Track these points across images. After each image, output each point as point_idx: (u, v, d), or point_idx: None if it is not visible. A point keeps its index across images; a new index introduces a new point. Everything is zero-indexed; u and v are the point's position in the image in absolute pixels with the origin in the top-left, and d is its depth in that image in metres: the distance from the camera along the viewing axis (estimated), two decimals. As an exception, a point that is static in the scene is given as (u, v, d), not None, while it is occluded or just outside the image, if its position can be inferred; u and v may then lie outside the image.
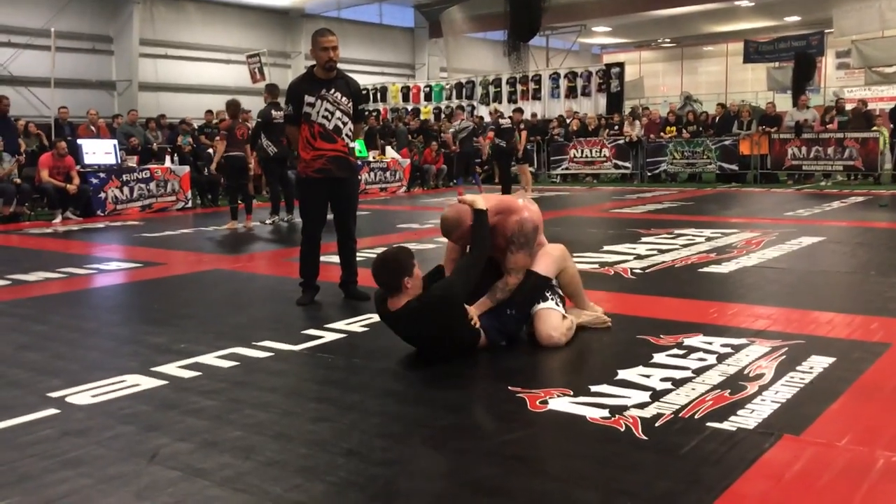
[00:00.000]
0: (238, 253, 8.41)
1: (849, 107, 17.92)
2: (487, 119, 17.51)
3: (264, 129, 10.53)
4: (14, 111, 15.87)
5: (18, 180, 12.19)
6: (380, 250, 7.58)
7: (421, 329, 3.95)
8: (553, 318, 4.24)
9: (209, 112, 16.78)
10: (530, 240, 4.23)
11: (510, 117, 15.92)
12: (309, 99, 5.36)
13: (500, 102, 22.60)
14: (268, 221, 10.98)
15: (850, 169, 16.63)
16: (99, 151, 13.14)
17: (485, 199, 4.28)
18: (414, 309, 3.90)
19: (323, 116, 5.37)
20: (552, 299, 4.31)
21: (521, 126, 15.14)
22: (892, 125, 16.67)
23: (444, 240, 4.47)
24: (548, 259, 4.35)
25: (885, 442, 2.86)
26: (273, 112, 10.27)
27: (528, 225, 4.21)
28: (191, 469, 2.73)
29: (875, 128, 16.52)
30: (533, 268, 4.28)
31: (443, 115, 23.16)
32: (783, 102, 22.31)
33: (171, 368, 3.94)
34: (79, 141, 13.21)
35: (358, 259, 5.81)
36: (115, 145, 13.47)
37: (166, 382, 3.73)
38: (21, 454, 2.88)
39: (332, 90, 5.40)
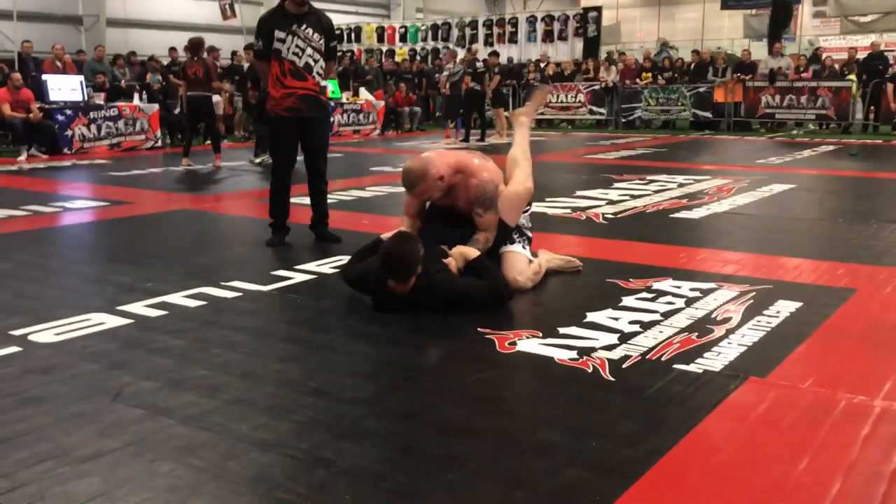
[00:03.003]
0: (207, 193, 8.29)
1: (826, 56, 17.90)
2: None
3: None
4: (-25, 45, 15.46)
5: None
6: (352, 194, 7.55)
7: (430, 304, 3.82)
8: (519, 262, 4.21)
9: (173, 49, 16.37)
10: (494, 199, 4.15)
11: (485, 60, 15.74)
12: (279, 34, 5.22)
13: (476, 45, 22.30)
14: (256, 161, 10.81)
15: (823, 118, 16.68)
16: (65, 88, 12.79)
17: (441, 156, 4.18)
18: (422, 291, 3.75)
19: (293, 53, 5.23)
20: (519, 242, 4.28)
21: (496, 70, 14.99)
22: (863, 75, 16.69)
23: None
24: (510, 205, 4.26)
25: (848, 385, 2.90)
26: None
27: (488, 187, 4.13)
28: (155, 407, 2.70)
29: (851, 76, 16.55)
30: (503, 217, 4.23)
31: (430, 58, 22.77)
32: (759, 51, 22.22)
33: (137, 307, 3.89)
34: (44, 77, 12.84)
35: (329, 201, 5.75)
36: (81, 82, 13.11)
37: (132, 321, 3.68)
38: (-18, 392, 2.84)
39: (304, 26, 5.26)
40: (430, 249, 3.90)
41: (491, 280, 3.89)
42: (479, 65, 15.10)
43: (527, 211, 4.45)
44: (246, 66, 11.30)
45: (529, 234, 4.41)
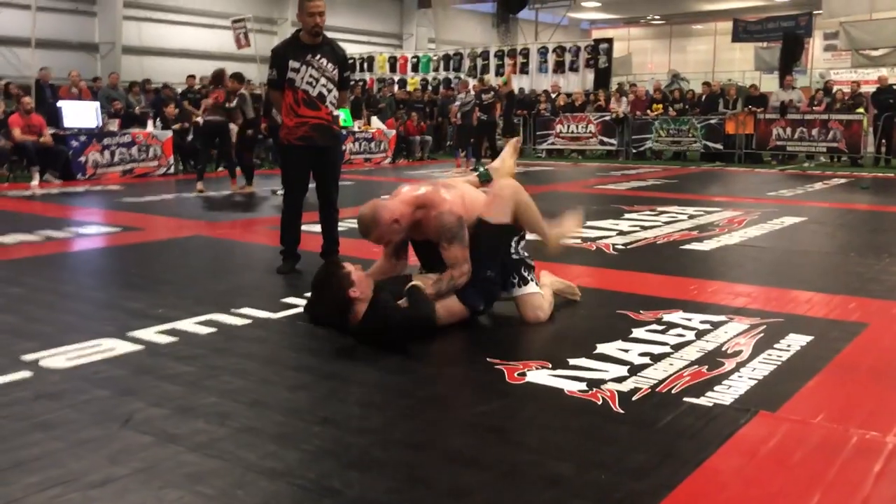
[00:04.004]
0: (219, 220, 8.34)
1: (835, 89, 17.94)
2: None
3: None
4: (-6, 71, 15.65)
5: (1, 139, 12.01)
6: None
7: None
8: (535, 300, 4.18)
9: (191, 77, 16.57)
10: (456, 232, 3.97)
11: (495, 88, 15.87)
12: (293, 64, 5.28)
13: (487, 74, 22.43)
14: (279, 193, 10.85)
15: (834, 151, 16.68)
16: (80, 114, 12.93)
17: (403, 195, 4.12)
18: (374, 320, 3.73)
19: (307, 83, 5.29)
20: (530, 278, 4.20)
21: (506, 95, 15.11)
22: (874, 109, 16.70)
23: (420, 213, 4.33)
24: (498, 202, 4.14)
25: (860, 420, 2.88)
26: None
27: (447, 218, 3.96)
28: (164, 434, 2.70)
29: (860, 110, 16.57)
30: (484, 217, 4.10)
31: (441, 87, 22.91)
32: (770, 83, 22.30)
33: (148, 333, 3.90)
34: (59, 103, 12.99)
35: (340, 229, 5.77)
36: (96, 108, 13.26)
37: (142, 347, 3.69)
38: (-7, 416, 2.85)
39: (318, 56, 5.32)
40: (394, 281, 3.91)
41: (410, 312, 3.80)
42: (487, 96, 15.23)
43: (522, 238, 4.31)
44: (245, 94, 11.50)
45: (531, 262, 4.29)
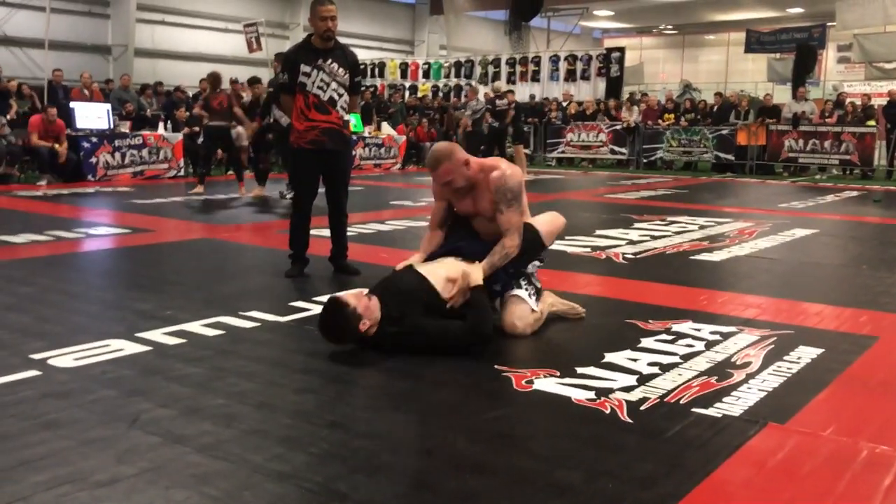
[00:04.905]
0: (228, 223, 8.36)
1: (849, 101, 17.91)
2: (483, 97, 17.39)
3: (275, 99, 10.51)
4: (7, 72, 15.73)
5: (13, 138, 12.07)
6: (372, 227, 7.59)
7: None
8: (521, 308, 4.05)
9: (203, 80, 16.58)
10: (517, 194, 3.98)
11: (505, 95, 15.87)
12: (305, 68, 5.29)
13: (498, 82, 22.42)
14: (288, 196, 10.83)
15: (846, 163, 16.62)
16: (91, 115, 13.00)
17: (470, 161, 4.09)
18: (393, 336, 3.70)
19: (318, 87, 5.30)
20: (526, 288, 4.12)
21: (511, 107, 15.08)
22: (886, 122, 16.64)
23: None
24: (548, 223, 4.26)
25: (870, 433, 2.86)
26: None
27: (510, 179, 3.97)
28: (171, 435, 2.70)
29: (871, 122, 16.51)
30: (531, 220, 4.16)
31: (451, 94, 22.95)
32: (782, 94, 22.25)
33: (156, 335, 3.91)
34: (71, 104, 13.07)
35: (349, 234, 5.78)
36: (108, 110, 13.33)
37: (150, 348, 3.70)
38: (0, 414, 2.85)
39: (329, 61, 5.33)
40: (410, 291, 3.79)
41: (473, 318, 3.71)
42: (500, 102, 15.21)
43: (542, 260, 4.36)
44: (247, 97, 11.61)
45: (538, 285, 4.24)
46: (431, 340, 3.68)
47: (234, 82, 15.42)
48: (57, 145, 11.94)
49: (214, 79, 11.02)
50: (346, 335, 3.67)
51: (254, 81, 12.02)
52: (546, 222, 4.30)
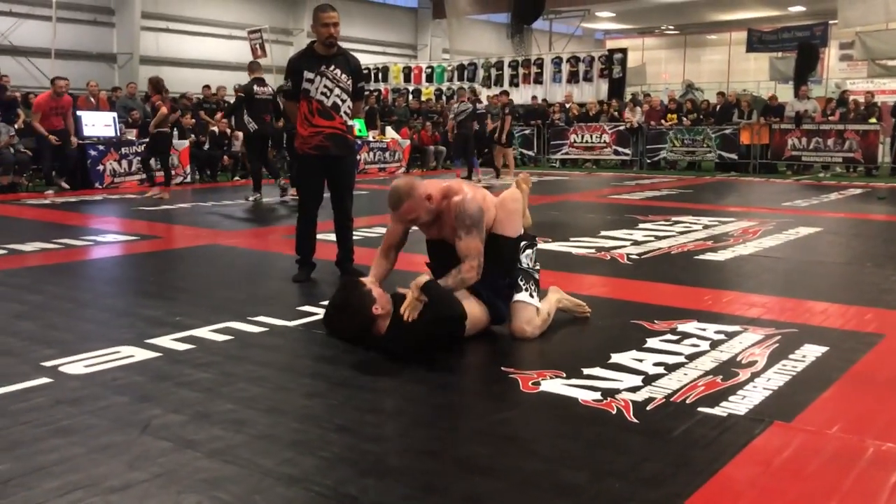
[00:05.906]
0: (235, 229, 8.40)
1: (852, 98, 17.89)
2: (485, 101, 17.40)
3: (247, 104, 10.58)
4: (14, 81, 15.81)
5: (21, 147, 12.13)
6: (377, 231, 7.61)
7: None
8: (527, 312, 4.07)
9: (206, 87, 16.68)
10: (476, 221, 3.92)
11: (489, 98, 15.93)
12: (308, 75, 5.33)
13: (502, 85, 22.47)
14: (249, 199, 10.81)
15: (850, 161, 16.61)
16: (98, 124, 13.07)
17: (433, 185, 4.06)
18: (401, 334, 3.70)
19: (322, 93, 5.34)
20: (526, 290, 4.13)
21: (507, 110, 15.05)
22: (893, 119, 16.63)
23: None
24: (509, 214, 4.17)
25: (876, 431, 2.88)
26: (256, 88, 10.42)
27: (469, 205, 3.91)
28: (182, 440, 2.73)
29: (873, 120, 16.50)
30: (499, 231, 4.11)
31: (444, 97, 23.05)
32: (785, 93, 22.22)
33: (166, 341, 3.94)
34: (78, 112, 13.13)
35: (354, 238, 5.81)
36: (114, 118, 13.40)
37: (160, 354, 3.73)
38: (13, 421, 2.89)
39: (332, 67, 5.37)
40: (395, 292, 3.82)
41: (435, 312, 3.68)
42: (480, 105, 15.29)
43: (532, 247, 4.32)
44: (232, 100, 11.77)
45: (536, 276, 4.25)
46: (420, 337, 3.68)
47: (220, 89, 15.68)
48: (53, 138, 11.88)
49: (154, 84, 11.38)
50: (357, 317, 3.68)
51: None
52: (505, 214, 4.16)
